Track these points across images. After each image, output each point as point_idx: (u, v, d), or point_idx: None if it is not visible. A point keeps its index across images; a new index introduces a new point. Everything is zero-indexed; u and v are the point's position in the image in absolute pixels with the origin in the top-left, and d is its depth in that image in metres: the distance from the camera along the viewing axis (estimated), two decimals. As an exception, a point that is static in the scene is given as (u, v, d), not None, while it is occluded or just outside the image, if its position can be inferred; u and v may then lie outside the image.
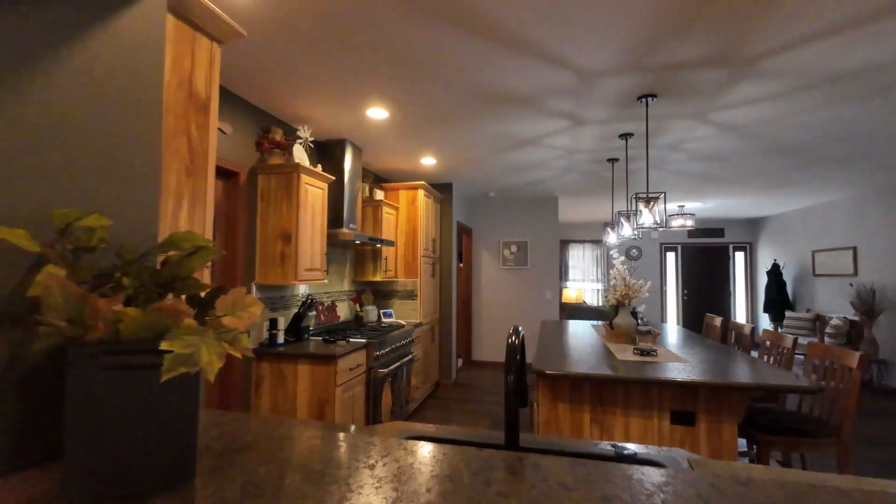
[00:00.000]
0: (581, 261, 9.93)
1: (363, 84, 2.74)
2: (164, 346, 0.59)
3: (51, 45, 0.74)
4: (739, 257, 9.28)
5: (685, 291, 9.39)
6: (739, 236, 9.20)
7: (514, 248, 6.87)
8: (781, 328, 7.43)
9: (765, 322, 8.48)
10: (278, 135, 3.13)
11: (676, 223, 7.20)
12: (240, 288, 0.73)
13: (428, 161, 4.58)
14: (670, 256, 9.53)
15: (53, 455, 0.73)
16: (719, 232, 9.24)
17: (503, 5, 1.93)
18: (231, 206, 2.91)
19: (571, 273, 9.95)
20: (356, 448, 0.80)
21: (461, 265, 6.92)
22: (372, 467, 0.72)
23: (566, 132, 3.62)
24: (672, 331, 3.97)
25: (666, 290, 9.44)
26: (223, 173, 2.88)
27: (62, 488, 0.63)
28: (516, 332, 0.96)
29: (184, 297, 0.71)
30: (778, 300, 7.58)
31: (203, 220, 1.38)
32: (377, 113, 3.21)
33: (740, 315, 9.20)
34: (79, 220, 0.68)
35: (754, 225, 9.13)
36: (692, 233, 9.30)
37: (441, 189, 5.71)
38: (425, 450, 0.80)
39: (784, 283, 7.61)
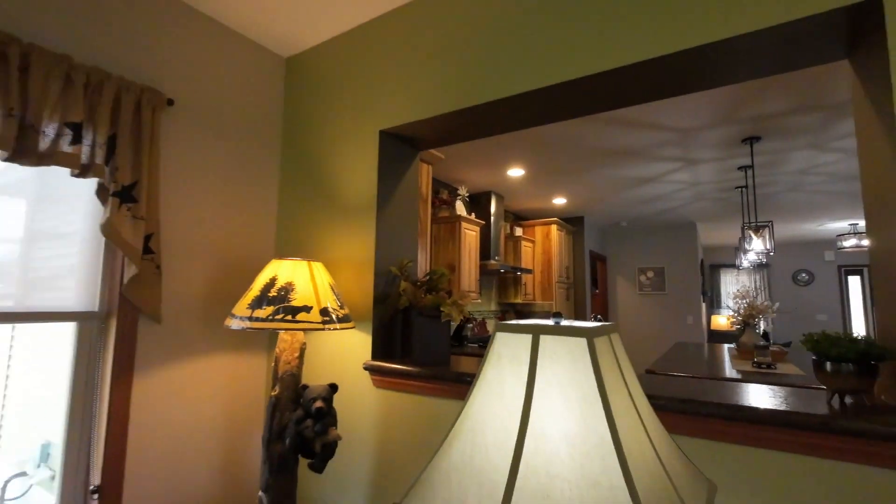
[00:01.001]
0: (736, 286, 9.28)
1: (506, 156, 3.78)
2: (443, 308, 1.61)
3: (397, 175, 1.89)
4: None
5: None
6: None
7: (650, 274, 7.08)
8: None
9: None
10: (444, 195, 4.36)
11: (849, 243, 6.59)
12: (463, 290, 1.74)
13: (559, 200, 5.40)
14: (853, 281, 8.31)
15: (405, 354, 1.81)
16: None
17: (603, 102, 2.75)
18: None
19: (725, 299, 9.36)
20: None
21: (597, 291, 7.39)
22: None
23: (682, 170, 4.10)
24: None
25: (849, 317, 8.22)
26: (411, 225, 4.19)
27: (412, 362, 1.69)
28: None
29: (442, 291, 1.74)
30: None
31: (427, 255, 2.51)
32: (515, 171, 4.21)
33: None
34: (406, 262, 1.78)
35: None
36: (882, 253, 8.01)
37: (573, 222, 6.42)
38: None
39: None
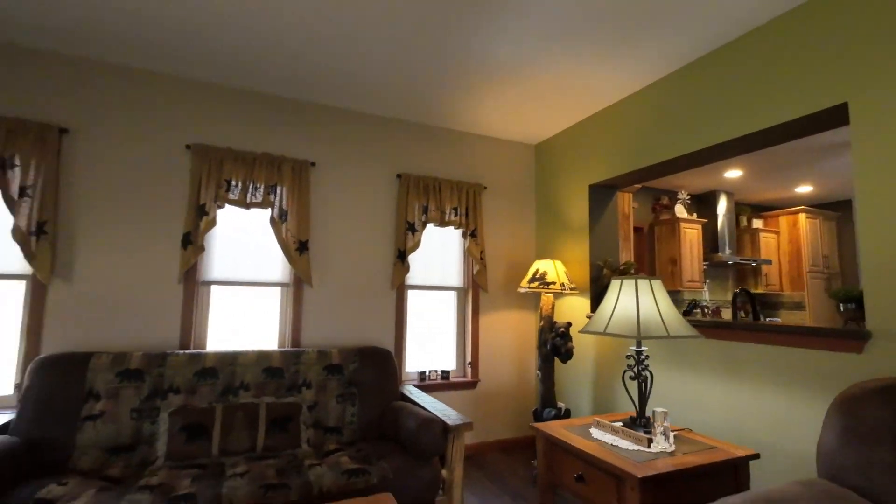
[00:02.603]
0: None
1: (720, 164, 4.44)
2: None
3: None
4: None
5: None
6: None
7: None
8: None
9: None
10: (665, 200, 5.22)
11: None
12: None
13: (804, 189, 5.30)
14: None
15: (603, 312, 3.19)
16: None
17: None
18: (640, 245, 5.22)
19: None
20: (677, 317, 2.84)
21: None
22: (678, 317, 2.76)
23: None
24: None
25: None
26: (634, 229, 5.25)
27: (609, 313, 3.04)
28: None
29: (630, 273, 3.01)
30: None
31: (630, 253, 3.72)
32: (733, 173, 4.71)
33: None
34: (608, 258, 3.14)
35: None
36: None
37: (834, 207, 5.88)
38: (698, 318, 2.72)
39: None
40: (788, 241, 5.63)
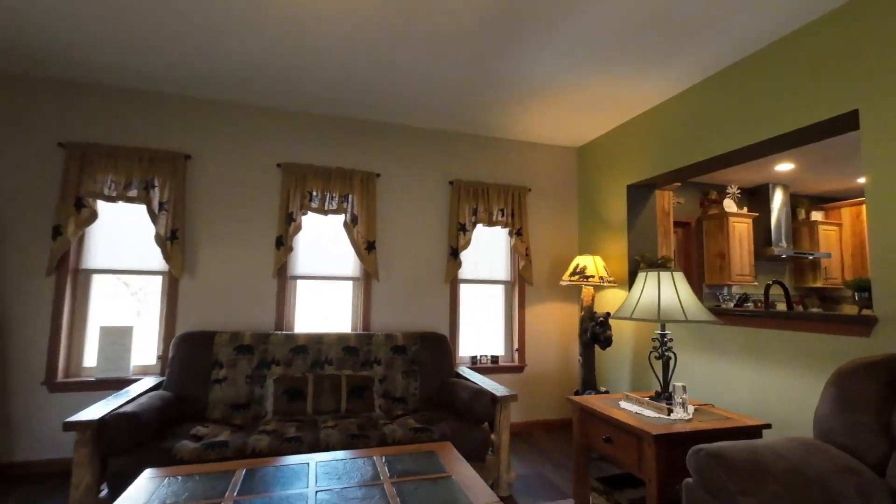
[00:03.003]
0: None
1: (770, 158, 4.46)
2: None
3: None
4: None
5: None
6: None
7: None
8: None
9: None
10: (713, 195, 5.26)
11: None
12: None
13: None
14: None
15: (641, 303, 3.43)
16: None
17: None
18: (686, 240, 5.30)
19: None
20: (711, 307, 3.04)
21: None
22: (711, 307, 2.97)
23: None
24: None
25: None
26: (681, 224, 5.33)
27: (646, 304, 3.28)
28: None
29: (667, 266, 3.24)
30: None
31: (669, 248, 3.91)
32: (784, 166, 4.69)
33: None
34: (645, 253, 3.38)
35: None
36: None
37: (908, 196, 5.57)
38: None
39: None
40: (852, 234, 5.44)
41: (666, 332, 2.26)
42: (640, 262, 3.39)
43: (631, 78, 2.85)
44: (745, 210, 5.16)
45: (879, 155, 1.94)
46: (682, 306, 2.15)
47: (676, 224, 5.33)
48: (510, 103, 3.26)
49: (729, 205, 5.20)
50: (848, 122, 2.12)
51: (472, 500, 1.51)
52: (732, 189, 5.24)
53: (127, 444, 2.04)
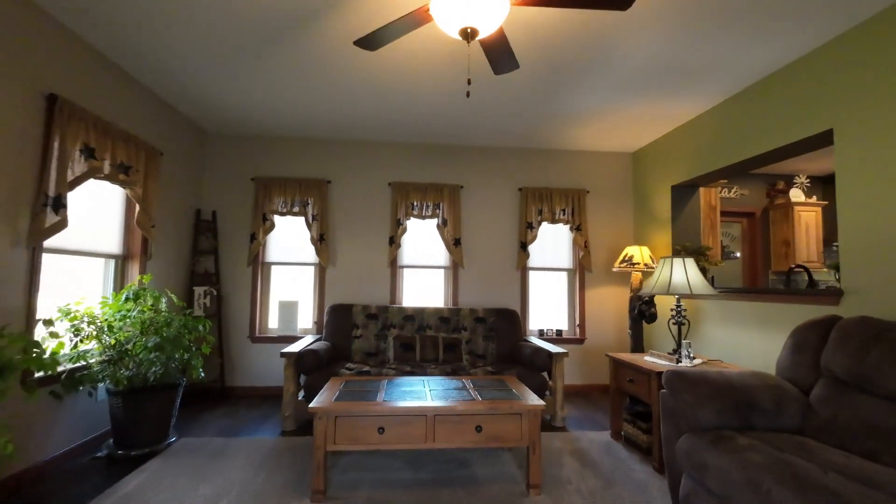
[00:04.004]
0: None
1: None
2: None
3: (678, 212, 4.13)
4: None
5: None
6: None
7: None
8: None
9: None
10: (780, 185, 5.47)
11: None
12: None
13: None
14: None
15: (684, 286, 4.06)
16: None
17: None
18: (752, 229, 5.58)
19: None
20: None
21: None
22: None
23: None
24: None
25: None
26: (746, 214, 5.62)
27: (686, 286, 3.92)
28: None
29: (705, 254, 3.83)
30: None
31: (716, 237, 4.41)
32: (851, 155, 4.82)
33: None
34: (686, 243, 4.00)
35: None
36: None
37: None
38: None
39: None
40: (943, 218, 5.28)
41: (681, 304, 2.98)
42: (681, 251, 4.00)
43: (662, 101, 3.52)
44: (813, 199, 5.31)
45: (849, 168, 2.49)
46: (689, 284, 2.86)
47: (742, 214, 5.64)
48: (567, 124, 4.07)
49: (796, 195, 5.39)
50: (823, 140, 2.66)
51: (521, 397, 2.47)
52: (800, 179, 5.41)
53: (312, 367, 3.32)
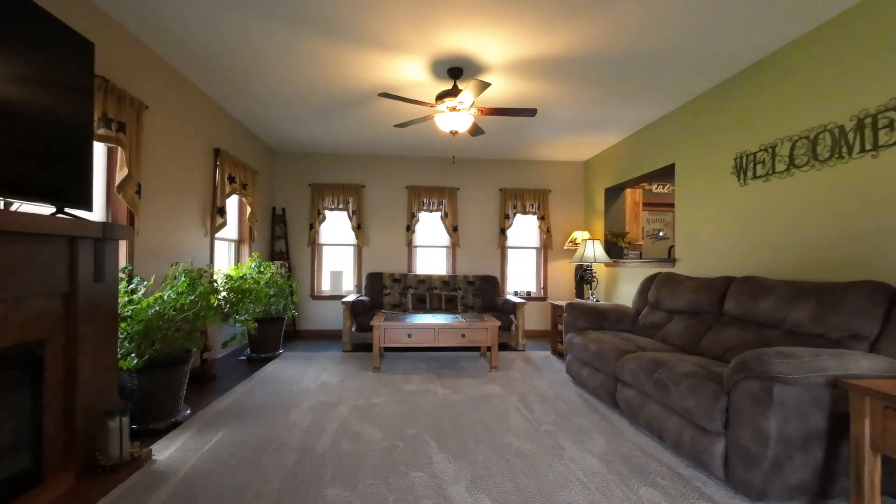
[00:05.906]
0: None
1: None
2: (617, 242, 5.54)
3: (609, 208, 5.90)
4: None
5: None
6: None
7: None
8: None
9: None
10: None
11: None
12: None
13: None
14: None
15: (611, 258, 5.86)
16: None
17: None
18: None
19: None
20: None
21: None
22: None
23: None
24: None
25: None
26: (671, 205, 7.35)
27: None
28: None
29: (621, 238, 5.61)
30: None
31: (638, 225, 6.18)
32: (747, 162, 6.53)
33: None
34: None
35: None
36: None
37: None
38: None
39: None
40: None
41: (591, 267, 4.79)
42: (609, 235, 5.78)
43: (588, 136, 5.25)
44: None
45: (684, 190, 4.25)
46: (594, 256, 4.67)
47: (671, 205, 7.37)
48: (534, 146, 5.81)
49: (712, 190, 7.10)
50: (670, 172, 4.41)
51: (488, 321, 4.33)
52: (717, 178, 7.11)
53: (360, 311, 5.19)
